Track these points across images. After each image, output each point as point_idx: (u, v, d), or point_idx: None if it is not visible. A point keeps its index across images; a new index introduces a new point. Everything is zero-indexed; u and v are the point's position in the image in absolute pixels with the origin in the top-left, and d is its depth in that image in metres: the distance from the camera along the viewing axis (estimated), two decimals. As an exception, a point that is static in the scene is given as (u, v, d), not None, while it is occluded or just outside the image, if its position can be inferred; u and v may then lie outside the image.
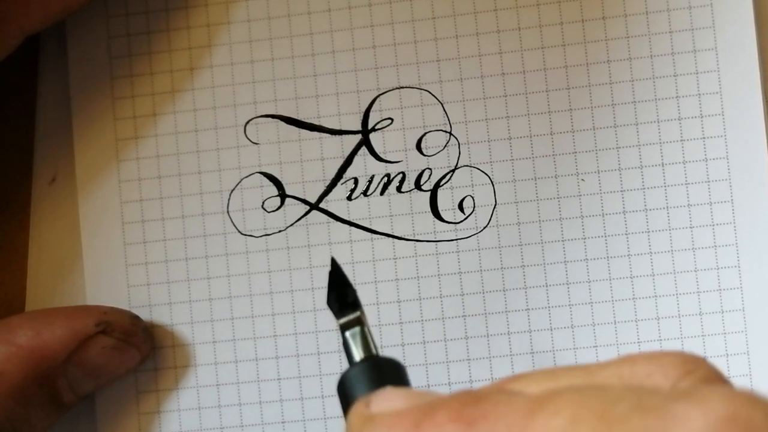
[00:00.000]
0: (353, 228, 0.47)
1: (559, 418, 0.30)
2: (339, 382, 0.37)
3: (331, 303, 0.39)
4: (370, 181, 0.47)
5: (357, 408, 0.35)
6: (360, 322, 0.38)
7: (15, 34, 0.45)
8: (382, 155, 0.47)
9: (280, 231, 0.47)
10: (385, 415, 0.34)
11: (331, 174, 0.47)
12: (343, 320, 0.38)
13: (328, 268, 0.40)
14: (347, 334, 0.38)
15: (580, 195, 0.46)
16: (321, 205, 0.47)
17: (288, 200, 0.47)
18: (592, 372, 0.33)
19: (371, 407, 0.34)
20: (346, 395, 0.37)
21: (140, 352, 0.46)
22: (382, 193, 0.47)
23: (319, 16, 0.47)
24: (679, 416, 0.29)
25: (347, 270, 0.46)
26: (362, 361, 0.37)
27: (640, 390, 0.30)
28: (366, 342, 0.37)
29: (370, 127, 0.47)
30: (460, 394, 0.32)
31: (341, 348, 0.38)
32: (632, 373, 0.33)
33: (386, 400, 0.34)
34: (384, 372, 0.37)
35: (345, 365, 0.46)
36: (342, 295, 0.38)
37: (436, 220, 0.46)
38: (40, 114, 0.49)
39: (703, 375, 0.32)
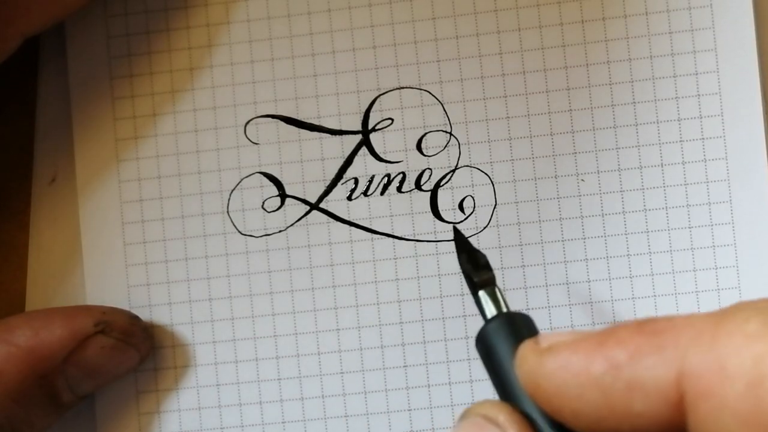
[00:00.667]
0: (353, 228, 0.47)
1: (751, 323, 0.31)
2: (478, 336, 0.38)
3: (463, 263, 0.41)
4: (371, 181, 0.47)
5: (528, 346, 0.36)
6: (494, 281, 0.40)
7: (14, 37, 0.45)
8: (382, 155, 0.47)
9: (280, 231, 0.47)
10: (563, 342, 0.34)
11: (332, 174, 0.47)
12: (479, 279, 0.40)
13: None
14: (481, 292, 0.40)
15: (580, 195, 0.46)
16: (321, 205, 0.47)
17: (288, 200, 0.47)
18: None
19: (541, 344, 0.35)
20: (488, 347, 0.38)
21: (139, 352, 0.46)
22: (382, 194, 0.47)
23: (319, 16, 0.47)
24: None
25: (347, 270, 0.46)
26: (497, 316, 0.39)
27: None
28: (498, 300, 0.40)
29: (370, 127, 0.47)
30: (632, 320, 0.33)
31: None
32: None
33: (554, 336, 0.35)
34: (520, 325, 0.38)
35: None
36: (474, 257, 0.41)
37: (437, 220, 0.46)
38: (40, 114, 0.49)
39: None
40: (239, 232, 0.47)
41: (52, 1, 0.44)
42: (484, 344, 0.38)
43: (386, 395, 0.46)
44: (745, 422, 0.31)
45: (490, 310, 0.40)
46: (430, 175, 0.47)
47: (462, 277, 0.46)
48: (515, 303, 0.46)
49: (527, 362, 0.35)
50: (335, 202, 0.47)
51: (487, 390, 0.45)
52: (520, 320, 0.38)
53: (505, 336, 0.38)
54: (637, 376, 0.33)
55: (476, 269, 0.41)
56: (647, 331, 0.33)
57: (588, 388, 0.33)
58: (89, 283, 0.47)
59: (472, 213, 0.46)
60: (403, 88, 0.47)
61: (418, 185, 0.47)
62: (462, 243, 0.43)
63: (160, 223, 0.47)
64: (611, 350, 0.33)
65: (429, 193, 0.47)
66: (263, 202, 0.47)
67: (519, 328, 0.38)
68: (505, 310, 0.40)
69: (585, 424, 0.34)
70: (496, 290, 0.40)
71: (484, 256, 0.42)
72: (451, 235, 0.46)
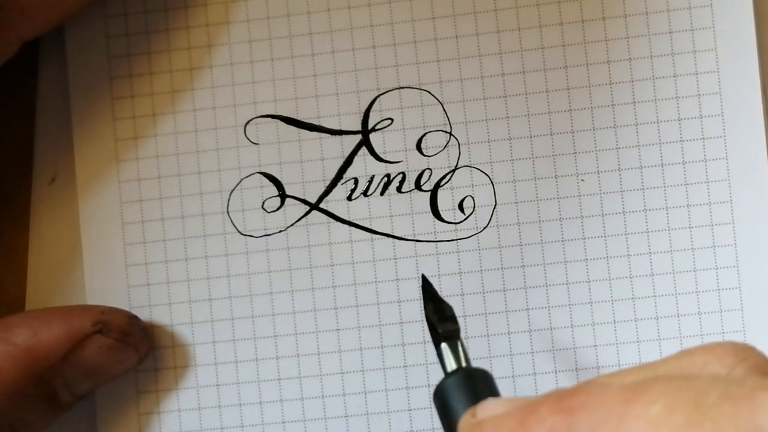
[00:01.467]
0: (353, 228, 0.47)
1: (656, 406, 0.32)
2: (436, 390, 0.40)
3: (429, 313, 0.43)
4: (370, 182, 0.47)
5: (465, 419, 0.38)
6: (457, 335, 0.41)
7: (13, 41, 0.45)
8: (382, 155, 0.47)
9: (280, 231, 0.47)
10: (491, 419, 0.37)
11: (331, 174, 0.47)
12: (444, 330, 0.41)
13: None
14: (443, 345, 0.41)
15: (580, 195, 0.46)
16: (321, 206, 0.47)
17: (288, 200, 0.47)
18: (657, 366, 0.36)
19: (477, 416, 0.38)
20: (445, 402, 0.40)
21: (137, 352, 0.46)
22: (382, 194, 0.47)
23: (319, 16, 0.47)
24: (765, 404, 0.31)
25: (347, 270, 0.46)
26: (456, 371, 0.40)
27: (726, 380, 0.32)
28: (458, 354, 0.41)
29: (370, 127, 0.47)
30: (555, 391, 0.35)
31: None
32: (691, 363, 0.35)
33: (490, 407, 0.38)
34: (477, 382, 0.40)
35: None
36: (440, 309, 0.42)
37: (436, 221, 0.46)
38: (40, 114, 0.49)
39: (754, 363, 0.35)
40: (239, 232, 0.47)
41: (50, 6, 0.44)
42: (440, 399, 0.40)
43: (386, 395, 0.46)
44: None
45: (450, 364, 0.41)
46: (429, 175, 0.47)
47: (462, 276, 0.46)
48: (515, 303, 0.46)
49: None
50: (335, 202, 0.47)
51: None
52: (479, 376, 0.40)
53: (461, 393, 0.39)
54: None
55: (441, 320, 0.42)
56: (564, 410, 0.34)
57: None
58: (89, 283, 0.47)
59: (472, 213, 0.46)
60: (402, 88, 0.47)
61: (417, 185, 0.47)
62: (429, 292, 0.44)
63: (160, 223, 0.47)
64: (530, 429, 0.35)
65: (429, 193, 0.47)
66: (263, 203, 0.47)
67: (476, 385, 0.39)
68: (464, 365, 0.41)
69: None
70: (458, 344, 0.41)
71: (450, 308, 0.43)
72: (451, 236, 0.46)
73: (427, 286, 0.45)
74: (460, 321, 0.46)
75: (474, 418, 0.38)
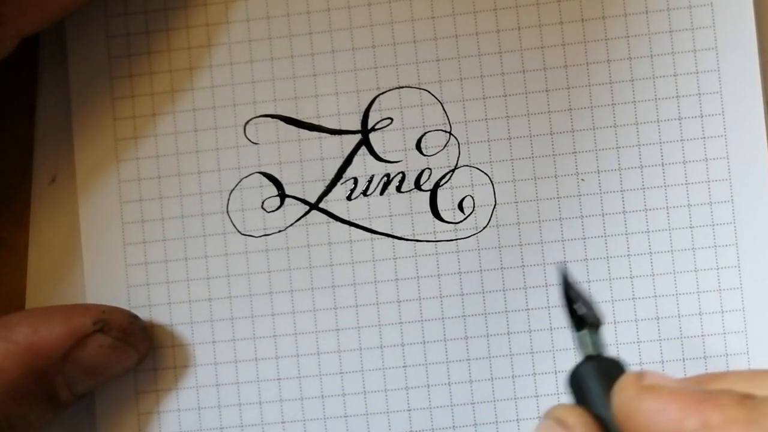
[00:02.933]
0: (353, 228, 0.47)
1: None
2: (572, 372, 0.39)
3: (578, 306, 0.41)
4: (370, 181, 0.47)
5: (631, 377, 0.38)
6: (599, 325, 0.40)
7: (12, 36, 0.45)
8: (381, 155, 0.47)
9: (279, 231, 0.47)
10: (665, 387, 0.36)
11: (331, 174, 0.47)
12: (591, 320, 0.41)
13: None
14: (584, 332, 0.40)
15: (580, 195, 0.46)
16: (321, 205, 0.47)
17: (288, 200, 0.47)
18: None
19: (645, 380, 0.37)
20: (581, 382, 0.39)
21: (138, 351, 0.46)
22: (381, 193, 0.47)
23: (319, 15, 0.47)
24: None
25: (347, 270, 0.46)
26: (593, 357, 0.40)
27: None
28: (599, 343, 0.40)
29: (369, 126, 0.47)
30: (735, 393, 0.36)
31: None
32: None
33: (657, 377, 0.37)
34: (613, 369, 0.39)
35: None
36: (588, 304, 0.41)
37: (436, 220, 0.46)
38: (40, 114, 0.49)
39: None
40: (239, 232, 0.47)
41: (49, 1, 0.44)
42: (577, 378, 0.39)
43: (386, 395, 0.46)
44: None
45: (588, 350, 0.40)
46: (429, 175, 0.47)
47: (462, 276, 0.46)
48: (515, 303, 0.46)
49: (626, 392, 0.37)
50: (335, 201, 0.47)
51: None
52: (615, 365, 0.39)
53: (599, 375, 0.39)
54: None
55: (590, 309, 0.41)
56: (747, 406, 0.35)
57: None
58: (89, 282, 0.47)
59: (471, 213, 0.46)
60: (402, 87, 0.47)
61: (417, 185, 0.47)
62: (576, 288, 0.42)
63: (159, 223, 0.47)
64: (709, 412, 0.35)
65: (428, 192, 0.47)
66: (263, 202, 0.47)
67: (613, 371, 0.39)
68: (602, 352, 0.40)
69: None
70: (600, 334, 0.41)
71: (599, 308, 0.41)
72: (451, 236, 0.46)
73: (572, 284, 0.42)
74: (459, 321, 0.46)
75: (641, 381, 0.37)
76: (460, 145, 0.46)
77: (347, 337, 0.46)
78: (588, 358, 0.40)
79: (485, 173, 0.46)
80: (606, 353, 0.40)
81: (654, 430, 0.36)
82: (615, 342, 0.45)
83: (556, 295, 0.46)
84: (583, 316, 0.41)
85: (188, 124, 0.48)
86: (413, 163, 0.47)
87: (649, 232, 0.46)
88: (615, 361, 0.39)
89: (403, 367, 0.46)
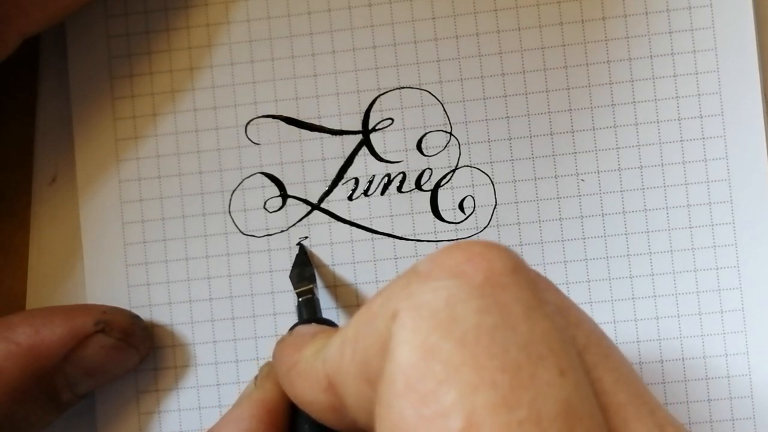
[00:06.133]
0: (354, 228, 0.47)
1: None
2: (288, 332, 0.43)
3: (292, 276, 0.46)
4: (371, 181, 0.47)
5: (283, 335, 0.42)
6: (311, 291, 0.45)
7: (13, 37, 0.45)
8: (382, 155, 0.47)
9: (282, 231, 0.47)
10: (293, 335, 0.41)
11: (332, 174, 0.47)
12: (299, 289, 0.45)
13: (326, 266, 0.47)
14: (300, 300, 0.45)
15: (580, 195, 0.46)
16: (322, 206, 0.47)
17: (289, 200, 0.47)
18: None
19: (291, 333, 0.42)
20: None
21: (139, 351, 0.46)
22: (382, 193, 0.47)
23: (319, 16, 0.47)
24: None
25: (348, 270, 0.46)
26: (307, 320, 0.44)
27: None
28: (312, 307, 0.45)
29: (370, 127, 0.47)
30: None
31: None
32: None
33: (302, 328, 0.42)
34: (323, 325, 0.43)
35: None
36: (301, 271, 0.46)
37: (437, 220, 0.46)
38: (40, 114, 0.49)
39: None
40: (241, 232, 0.47)
41: (50, 1, 0.44)
42: None
43: (386, 395, 0.46)
44: None
45: (305, 314, 0.45)
46: (430, 175, 0.47)
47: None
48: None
49: (276, 343, 0.42)
50: (336, 202, 0.47)
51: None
52: (326, 323, 0.44)
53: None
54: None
55: (300, 281, 0.46)
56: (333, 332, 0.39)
57: (281, 375, 0.41)
58: (89, 282, 0.47)
59: (472, 213, 0.46)
60: (403, 88, 0.47)
61: (418, 185, 0.47)
62: (300, 258, 0.47)
63: (160, 223, 0.47)
64: (305, 349, 0.40)
65: (429, 193, 0.47)
66: (265, 203, 0.47)
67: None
68: (317, 315, 0.45)
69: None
70: (314, 299, 0.45)
71: (311, 270, 0.46)
72: (451, 236, 0.46)
73: (301, 253, 0.47)
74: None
75: (288, 334, 0.42)
76: (461, 146, 0.47)
77: (348, 337, 0.46)
78: (302, 320, 0.44)
79: (486, 173, 0.46)
80: (319, 316, 0.45)
81: (276, 369, 0.42)
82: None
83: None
84: (296, 290, 0.45)
85: (189, 124, 0.48)
86: (414, 164, 0.47)
87: (648, 232, 0.46)
88: (329, 321, 0.44)
89: (404, 366, 0.46)
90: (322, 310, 0.46)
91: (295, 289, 0.46)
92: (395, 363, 0.33)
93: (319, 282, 0.47)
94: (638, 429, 0.34)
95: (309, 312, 0.45)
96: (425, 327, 0.33)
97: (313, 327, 0.42)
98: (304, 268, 0.46)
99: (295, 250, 0.47)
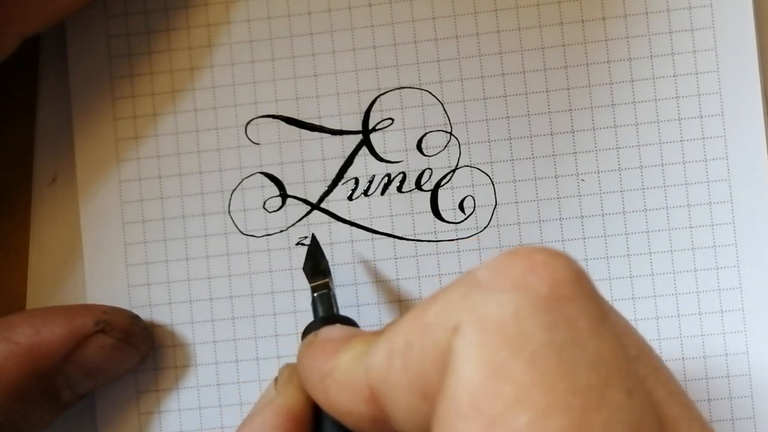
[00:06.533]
0: (354, 228, 0.47)
1: None
2: (303, 332, 0.42)
3: (306, 269, 0.45)
4: (371, 181, 0.47)
5: (308, 336, 0.41)
6: (327, 286, 0.44)
7: (13, 37, 0.45)
8: (382, 155, 0.47)
9: (281, 231, 0.47)
10: (322, 338, 0.39)
11: (332, 174, 0.47)
12: (314, 283, 0.44)
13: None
14: (315, 295, 0.44)
15: (580, 195, 0.46)
16: (322, 205, 0.47)
17: (289, 200, 0.47)
18: None
19: (318, 336, 0.40)
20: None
21: (139, 351, 0.46)
22: (382, 193, 0.47)
23: (320, 16, 0.47)
24: None
25: (348, 270, 0.46)
26: (323, 317, 0.43)
27: None
28: (329, 303, 0.43)
29: (370, 127, 0.47)
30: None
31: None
32: None
33: (330, 330, 0.40)
34: (342, 323, 0.42)
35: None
36: (316, 264, 0.44)
37: (437, 220, 0.46)
38: (40, 114, 0.49)
39: None
40: (240, 232, 0.47)
41: (51, 1, 0.44)
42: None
43: (387, 395, 0.46)
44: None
45: (321, 311, 0.43)
46: (430, 175, 0.47)
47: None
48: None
49: (301, 346, 0.40)
50: (336, 202, 0.47)
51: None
52: (342, 322, 0.42)
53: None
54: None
55: (314, 274, 0.44)
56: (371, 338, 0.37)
57: (311, 382, 0.39)
58: (90, 282, 0.47)
59: (472, 213, 0.46)
60: (403, 88, 0.47)
61: (418, 185, 0.47)
62: (313, 249, 0.45)
63: (160, 222, 0.47)
64: (341, 355, 0.37)
65: (429, 193, 0.47)
66: (264, 202, 0.47)
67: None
68: (334, 311, 0.43)
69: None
70: (330, 294, 0.44)
71: (326, 263, 0.45)
72: (451, 235, 0.46)
73: (314, 244, 0.45)
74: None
75: (315, 336, 0.40)
76: (461, 146, 0.47)
77: (348, 337, 0.46)
78: (319, 318, 0.43)
79: (486, 173, 0.46)
80: (337, 313, 0.43)
81: (303, 375, 0.39)
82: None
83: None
84: (311, 284, 0.44)
85: (189, 124, 0.48)
86: (414, 164, 0.47)
87: (648, 232, 0.46)
88: (346, 318, 0.42)
89: (404, 366, 0.46)
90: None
91: (309, 283, 0.44)
92: (459, 381, 0.31)
93: (334, 275, 0.47)
94: None
95: (326, 309, 0.43)
96: (492, 343, 0.31)
97: (341, 329, 0.40)
98: (319, 261, 0.45)
99: (295, 250, 0.47)
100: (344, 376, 0.36)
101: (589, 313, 0.32)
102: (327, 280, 0.44)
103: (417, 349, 0.33)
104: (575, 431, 0.30)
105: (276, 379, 0.42)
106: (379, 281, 0.46)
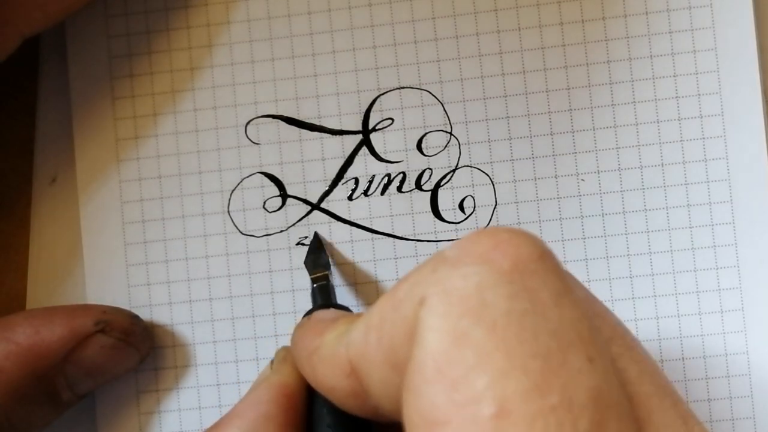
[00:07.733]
0: (354, 228, 0.47)
1: None
2: (302, 318, 0.43)
3: (307, 262, 0.46)
4: (371, 181, 0.47)
5: (302, 318, 0.42)
6: (326, 278, 0.45)
7: (13, 37, 0.45)
8: (382, 155, 0.47)
9: (281, 231, 0.47)
10: (313, 320, 0.41)
11: (332, 174, 0.47)
12: (314, 275, 0.45)
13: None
14: (315, 285, 0.45)
15: (580, 195, 0.46)
16: (322, 205, 0.47)
17: (289, 200, 0.47)
18: None
19: (311, 318, 0.42)
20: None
21: (139, 351, 0.46)
22: (382, 193, 0.47)
23: (320, 16, 0.47)
24: None
25: (348, 269, 0.46)
26: (321, 305, 0.44)
27: None
28: (327, 293, 0.45)
29: (370, 127, 0.47)
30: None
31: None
32: None
33: (322, 312, 0.42)
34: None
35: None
36: (317, 257, 0.46)
37: (437, 220, 0.47)
38: (40, 114, 0.49)
39: None
40: (240, 232, 0.47)
41: (51, 1, 0.44)
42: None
43: (387, 395, 0.46)
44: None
45: (320, 300, 0.45)
46: (430, 175, 0.47)
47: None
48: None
49: (295, 329, 0.42)
50: (336, 202, 0.47)
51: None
52: (342, 309, 0.44)
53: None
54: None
55: (315, 267, 0.45)
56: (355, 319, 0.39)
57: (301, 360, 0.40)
58: (90, 282, 0.47)
59: (472, 213, 0.46)
60: (403, 88, 0.47)
61: (418, 185, 0.47)
62: (315, 244, 0.46)
63: (160, 222, 0.47)
64: (327, 334, 0.39)
65: (429, 193, 0.47)
66: (264, 202, 0.47)
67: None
68: (332, 301, 0.45)
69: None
70: (329, 285, 0.45)
71: (326, 257, 0.46)
72: (452, 236, 0.46)
73: (316, 240, 0.46)
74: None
75: (307, 318, 0.42)
76: (461, 146, 0.47)
77: (348, 337, 0.46)
78: (319, 306, 0.44)
79: (486, 173, 0.46)
80: (335, 302, 0.45)
81: (295, 354, 0.41)
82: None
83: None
84: (311, 275, 0.45)
85: (189, 124, 0.48)
86: (414, 164, 0.47)
87: (648, 232, 0.46)
88: (343, 307, 0.44)
89: (404, 366, 0.46)
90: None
91: (310, 275, 0.45)
92: (424, 349, 0.32)
93: (334, 269, 0.47)
94: (662, 419, 0.34)
95: (324, 298, 0.44)
96: (455, 312, 0.33)
97: (332, 312, 0.42)
98: (320, 255, 0.46)
99: (295, 250, 0.47)
100: (328, 353, 0.38)
101: (552, 287, 0.33)
102: (327, 272, 0.45)
103: (389, 324, 0.34)
104: (534, 392, 0.31)
105: (272, 361, 0.43)
106: (379, 281, 0.46)
